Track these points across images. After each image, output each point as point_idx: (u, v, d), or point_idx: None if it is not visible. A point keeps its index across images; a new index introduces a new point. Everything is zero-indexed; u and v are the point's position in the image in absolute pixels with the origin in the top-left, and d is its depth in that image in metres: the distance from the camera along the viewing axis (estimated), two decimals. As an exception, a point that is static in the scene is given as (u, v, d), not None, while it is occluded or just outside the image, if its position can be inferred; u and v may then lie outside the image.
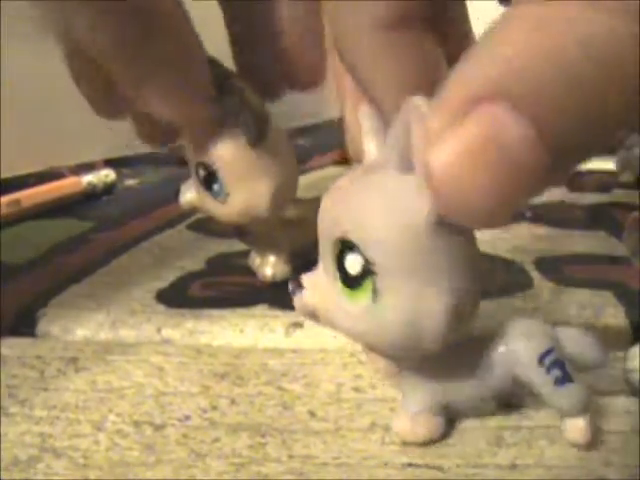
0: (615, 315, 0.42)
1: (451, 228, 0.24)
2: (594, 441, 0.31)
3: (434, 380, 0.30)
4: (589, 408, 0.30)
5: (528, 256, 0.52)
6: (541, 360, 0.29)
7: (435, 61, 0.24)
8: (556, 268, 0.50)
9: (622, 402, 0.34)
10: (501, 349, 0.30)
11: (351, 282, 0.26)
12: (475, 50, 0.15)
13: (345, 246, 0.26)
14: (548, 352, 0.29)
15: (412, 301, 0.25)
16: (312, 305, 0.28)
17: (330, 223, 0.26)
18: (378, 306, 0.25)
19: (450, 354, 0.29)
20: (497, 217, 0.17)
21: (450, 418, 0.32)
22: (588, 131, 0.15)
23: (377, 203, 0.24)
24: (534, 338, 0.30)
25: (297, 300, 0.29)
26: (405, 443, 0.31)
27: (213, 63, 0.42)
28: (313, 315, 0.28)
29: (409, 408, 0.31)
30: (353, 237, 0.25)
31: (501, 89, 0.15)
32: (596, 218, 0.61)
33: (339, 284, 0.27)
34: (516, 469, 0.30)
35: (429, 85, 0.22)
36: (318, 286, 0.28)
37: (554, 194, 0.68)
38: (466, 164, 0.16)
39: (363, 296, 0.26)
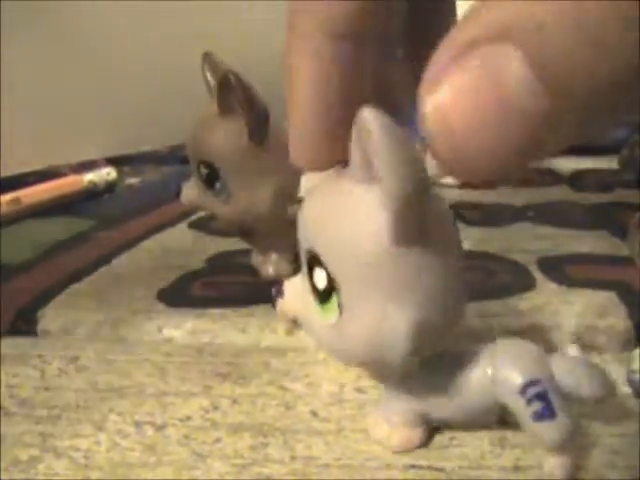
0: (618, 316, 0.42)
1: (416, 241, 0.23)
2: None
3: (415, 394, 0.30)
4: (572, 445, 0.28)
5: (531, 256, 0.51)
6: (523, 390, 0.27)
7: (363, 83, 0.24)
8: (559, 268, 0.49)
9: (625, 404, 0.34)
10: (487, 370, 0.28)
11: (320, 296, 0.25)
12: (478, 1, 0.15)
13: (313, 259, 0.25)
14: (533, 383, 0.27)
15: (375, 316, 0.24)
16: (291, 312, 0.28)
17: (303, 234, 0.26)
18: (342, 321, 0.25)
19: (434, 369, 0.28)
20: (492, 166, 0.16)
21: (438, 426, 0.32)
22: (595, 87, 0.14)
23: (338, 215, 0.24)
24: (522, 365, 0.28)
25: (278, 305, 0.29)
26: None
27: (213, 59, 0.42)
28: (294, 321, 0.28)
29: (389, 417, 0.31)
30: (319, 251, 0.25)
31: (503, 31, 0.14)
32: (598, 218, 0.60)
33: (312, 297, 0.26)
34: (519, 470, 0.30)
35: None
36: (298, 294, 0.27)
37: (556, 193, 0.68)
38: (462, 103, 0.15)
39: (331, 311, 0.25)
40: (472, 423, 0.31)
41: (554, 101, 0.14)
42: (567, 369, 0.28)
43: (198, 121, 0.42)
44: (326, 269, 0.25)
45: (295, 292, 0.28)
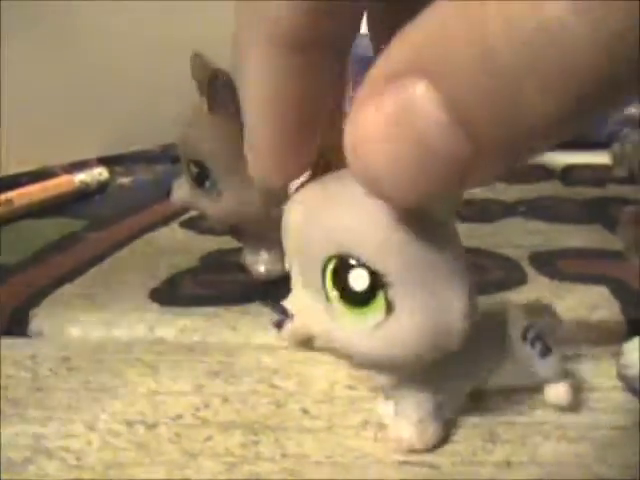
0: (610, 310, 0.42)
1: (445, 223, 0.24)
2: (576, 403, 0.33)
3: (431, 384, 0.30)
4: (567, 373, 0.32)
5: (522, 251, 0.51)
6: (524, 336, 0.31)
7: (322, 95, 0.22)
8: (550, 263, 0.50)
9: (617, 397, 0.34)
10: (492, 335, 0.31)
11: (357, 299, 0.24)
12: (402, 31, 0.15)
13: (344, 263, 0.24)
14: (529, 328, 0.31)
15: (430, 305, 0.24)
16: (306, 333, 0.26)
17: (316, 241, 0.24)
18: (393, 318, 0.24)
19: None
20: (409, 201, 0.16)
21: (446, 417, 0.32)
22: (515, 134, 0.14)
23: (375, 213, 0.23)
24: (514, 317, 0.32)
25: (286, 331, 0.26)
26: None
27: (202, 59, 0.42)
28: (307, 344, 0.26)
29: (411, 417, 0.30)
30: (355, 252, 0.23)
31: (419, 66, 0.14)
32: (591, 212, 0.61)
33: (338, 305, 0.25)
34: (511, 467, 0.30)
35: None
36: (307, 310, 0.26)
37: (548, 188, 0.68)
38: (377, 143, 0.15)
39: (373, 311, 0.24)
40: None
41: (476, 146, 0.14)
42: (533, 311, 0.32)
43: (188, 120, 0.42)
44: (367, 267, 0.23)
45: (304, 309, 0.26)
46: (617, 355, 0.35)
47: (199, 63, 0.43)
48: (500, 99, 0.13)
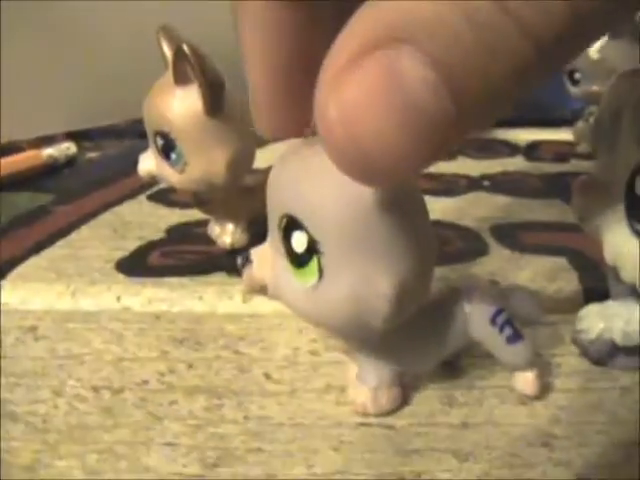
0: (568, 280, 0.43)
1: (397, 204, 0.24)
2: (542, 393, 0.32)
3: (390, 352, 0.31)
4: (536, 362, 0.32)
5: (485, 224, 0.52)
6: (493, 321, 0.31)
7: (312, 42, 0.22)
8: (512, 235, 0.50)
9: (571, 362, 0.35)
10: (456, 313, 0.31)
11: (298, 260, 0.25)
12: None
13: (291, 223, 0.25)
14: (499, 312, 0.31)
15: (358, 280, 0.24)
16: (260, 280, 0.27)
17: (277, 199, 0.26)
18: (324, 285, 0.25)
19: (405, 325, 0.28)
20: (398, 169, 0.16)
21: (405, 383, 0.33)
22: (495, 84, 0.14)
23: (322, 181, 0.24)
24: (484, 300, 0.31)
25: (245, 274, 0.28)
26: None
27: (168, 32, 0.42)
28: (261, 289, 0.28)
29: (368, 382, 0.31)
30: (299, 215, 0.25)
31: (402, 33, 0.14)
32: (552, 187, 0.61)
33: (286, 261, 0.26)
34: (467, 427, 0.31)
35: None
36: (266, 261, 0.27)
37: (512, 164, 0.69)
38: (363, 108, 0.14)
39: (309, 274, 0.25)
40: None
41: (460, 104, 0.14)
42: (517, 296, 0.32)
43: (153, 92, 0.42)
44: (307, 232, 0.24)
45: (263, 259, 0.27)
46: (573, 323, 0.36)
47: (165, 36, 0.43)
48: (482, 50, 0.14)
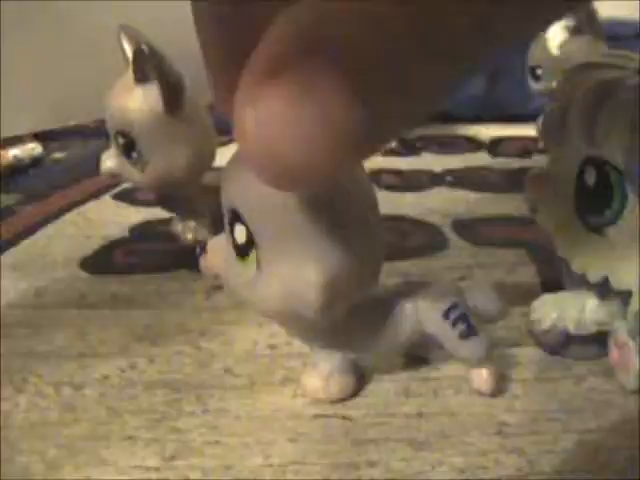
0: (526, 273, 0.44)
1: (329, 199, 0.25)
2: (498, 389, 0.33)
3: (341, 341, 0.31)
4: (492, 358, 0.32)
5: (446, 219, 0.53)
6: (446, 315, 0.31)
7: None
8: (473, 229, 0.51)
9: (526, 352, 0.36)
10: (408, 307, 0.31)
11: (240, 250, 0.27)
12: (286, 11, 0.15)
13: (234, 217, 0.26)
14: (453, 307, 0.31)
15: (289, 271, 0.25)
16: (213, 268, 0.29)
17: (225, 194, 0.27)
18: (261, 276, 0.26)
19: (358, 315, 0.29)
20: (312, 176, 0.16)
21: (360, 373, 0.33)
22: (405, 89, 0.15)
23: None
24: (439, 294, 0.31)
25: (201, 262, 0.30)
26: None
27: (128, 32, 0.43)
28: (215, 277, 0.30)
29: (321, 368, 0.32)
30: (239, 208, 0.26)
31: (312, 44, 0.14)
32: (514, 182, 0.62)
33: (233, 252, 0.27)
34: (422, 417, 0.31)
35: None
36: (220, 251, 0.28)
37: (475, 159, 0.70)
38: (284, 120, 0.15)
39: (250, 265, 0.26)
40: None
41: (374, 113, 0.14)
42: (476, 292, 0.33)
43: (114, 91, 0.43)
44: (246, 226, 0.26)
45: (217, 249, 0.29)
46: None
47: (126, 36, 0.43)
48: (394, 66, 0.14)
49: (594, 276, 0.32)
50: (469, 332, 0.31)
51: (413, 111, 0.15)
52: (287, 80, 0.14)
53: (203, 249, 0.30)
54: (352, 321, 0.29)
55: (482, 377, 0.32)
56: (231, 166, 0.26)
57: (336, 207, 0.25)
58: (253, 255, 0.26)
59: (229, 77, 0.24)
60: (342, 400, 0.32)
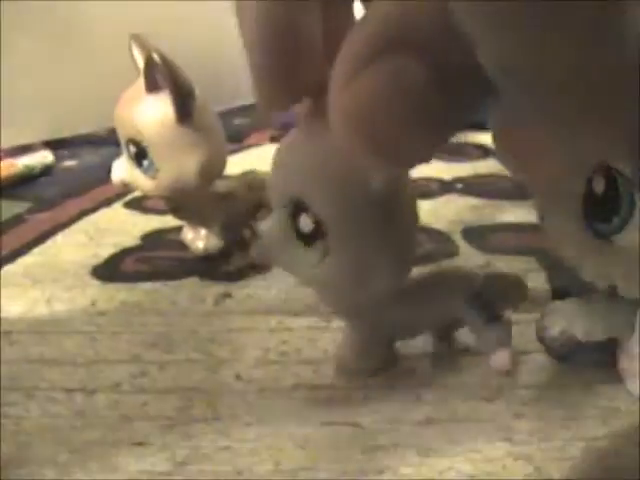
0: (535, 280, 0.44)
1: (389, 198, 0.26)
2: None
3: (383, 319, 0.33)
4: (510, 342, 0.34)
5: (456, 226, 0.53)
6: (472, 302, 0.33)
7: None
8: (482, 237, 0.51)
9: (535, 359, 0.36)
10: (441, 292, 0.34)
11: (305, 238, 0.28)
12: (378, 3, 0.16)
13: (298, 206, 0.27)
14: (478, 295, 0.33)
15: (358, 259, 0.27)
16: (268, 252, 0.30)
17: (286, 183, 0.28)
18: (327, 263, 0.27)
19: (397, 298, 0.32)
20: (413, 153, 0.17)
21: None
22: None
23: (328, 167, 0.26)
24: (466, 283, 0.34)
25: (253, 249, 0.33)
26: (327, 401, 0.33)
27: (140, 40, 0.43)
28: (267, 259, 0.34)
29: (356, 340, 0.34)
30: (306, 199, 0.27)
31: (400, 40, 0.16)
32: (524, 189, 0.62)
33: (294, 236, 0.28)
34: (431, 424, 0.32)
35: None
36: (273, 236, 0.29)
37: (485, 166, 0.70)
38: (381, 104, 0.16)
39: (315, 252, 0.28)
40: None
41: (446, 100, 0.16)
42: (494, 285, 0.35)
43: (125, 100, 0.43)
44: (314, 216, 0.27)
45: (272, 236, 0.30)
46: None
47: (137, 44, 0.43)
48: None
49: (603, 284, 0.32)
50: (491, 318, 0.33)
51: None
52: (379, 70, 0.16)
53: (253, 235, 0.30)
54: (393, 304, 0.32)
55: (503, 358, 0.33)
56: (291, 156, 0.27)
57: (399, 200, 0.28)
58: (318, 243, 0.27)
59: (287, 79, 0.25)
60: (351, 406, 0.32)
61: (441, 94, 0.16)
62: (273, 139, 0.80)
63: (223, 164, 0.44)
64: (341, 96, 0.17)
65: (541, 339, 0.36)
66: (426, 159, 0.18)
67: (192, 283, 0.44)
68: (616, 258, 0.32)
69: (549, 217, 0.34)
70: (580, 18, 0.13)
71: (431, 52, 0.16)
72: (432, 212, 0.56)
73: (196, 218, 0.47)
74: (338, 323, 0.36)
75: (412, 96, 0.16)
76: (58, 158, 0.77)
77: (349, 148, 0.18)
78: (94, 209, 0.60)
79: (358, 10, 0.20)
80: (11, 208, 0.62)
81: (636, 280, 0.31)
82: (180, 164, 0.42)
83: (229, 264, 0.45)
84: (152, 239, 0.53)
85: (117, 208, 0.61)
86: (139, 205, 0.60)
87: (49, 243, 0.53)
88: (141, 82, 0.42)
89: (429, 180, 0.65)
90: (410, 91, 0.16)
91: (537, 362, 0.36)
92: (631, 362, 0.33)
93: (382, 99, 0.16)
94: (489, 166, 0.70)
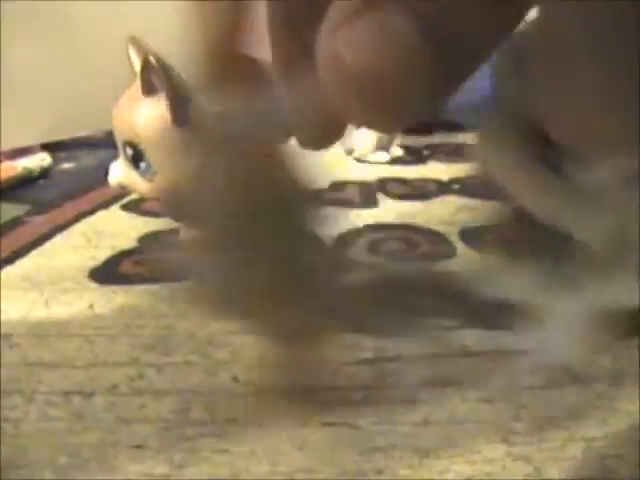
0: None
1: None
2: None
3: None
4: None
5: (453, 227, 0.53)
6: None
7: None
8: (479, 237, 0.51)
9: (535, 359, 0.36)
10: None
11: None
12: None
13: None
14: None
15: None
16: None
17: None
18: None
19: None
20: (393, 107, 0.18)
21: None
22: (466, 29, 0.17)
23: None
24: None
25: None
26: (325, 403, 0.33)
27: (137, 43, 0.43)
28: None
29: None
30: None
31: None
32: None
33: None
34: (429, 425, 0.32)
35: None
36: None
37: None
38: (374, 49, 0.17)
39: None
40: None
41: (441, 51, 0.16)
42: None
43: (122, 102, 0.43)
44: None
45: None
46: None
47: (134, 47, 0.44)
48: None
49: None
50: None
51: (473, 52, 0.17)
52: (370, 21, 0.17)
53: None
54: None
55: None
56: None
57: None
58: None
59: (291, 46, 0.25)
60: (349, 407, 0.32)
61: (430, 46, 0.16)
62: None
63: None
64: (332, 42, 0.17)
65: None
66: (412, 117, 0.18)
67: (190, 285, 0.44)
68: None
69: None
70: None
71: (419, 5, 0.16)
72: (428, 213, 0.56)
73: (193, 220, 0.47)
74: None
75: (400, 47, 0.16)
76: (56, 161, 0.77)
77: (334, 95, 0.18)
78: (92, 211, 0.60)
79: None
80: (10, 211, 0.62)
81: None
82: (178, 167, 0.42)
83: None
84: (149, 241, 0.53)
85: (115, 210, 0.61)
86: (136, 207, 0.60)
87: (47, 245, 0.53)
88: (138, 85, 0.42)
89: (426, 181, 0.65)
90: (398, 42, 0.16)
91: (537, 362, 0.36)
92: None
93: (372, 50, 0.16)
94: (486, 167, 0.70)
